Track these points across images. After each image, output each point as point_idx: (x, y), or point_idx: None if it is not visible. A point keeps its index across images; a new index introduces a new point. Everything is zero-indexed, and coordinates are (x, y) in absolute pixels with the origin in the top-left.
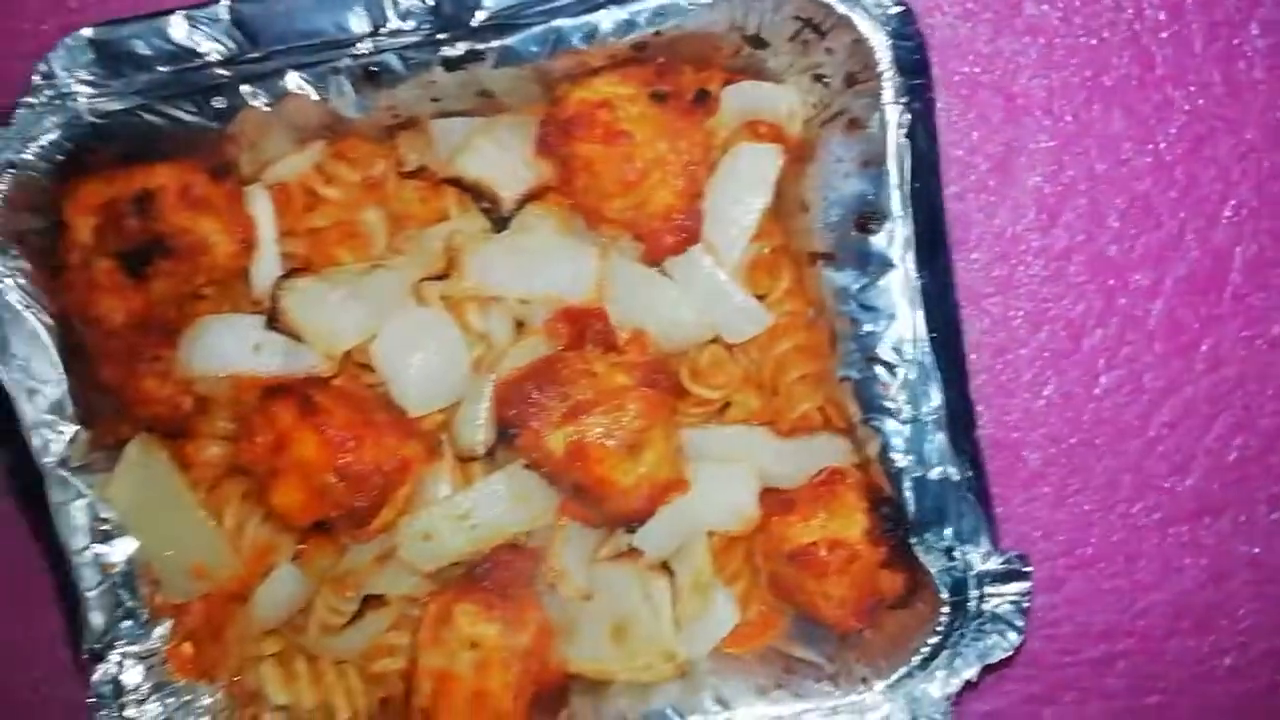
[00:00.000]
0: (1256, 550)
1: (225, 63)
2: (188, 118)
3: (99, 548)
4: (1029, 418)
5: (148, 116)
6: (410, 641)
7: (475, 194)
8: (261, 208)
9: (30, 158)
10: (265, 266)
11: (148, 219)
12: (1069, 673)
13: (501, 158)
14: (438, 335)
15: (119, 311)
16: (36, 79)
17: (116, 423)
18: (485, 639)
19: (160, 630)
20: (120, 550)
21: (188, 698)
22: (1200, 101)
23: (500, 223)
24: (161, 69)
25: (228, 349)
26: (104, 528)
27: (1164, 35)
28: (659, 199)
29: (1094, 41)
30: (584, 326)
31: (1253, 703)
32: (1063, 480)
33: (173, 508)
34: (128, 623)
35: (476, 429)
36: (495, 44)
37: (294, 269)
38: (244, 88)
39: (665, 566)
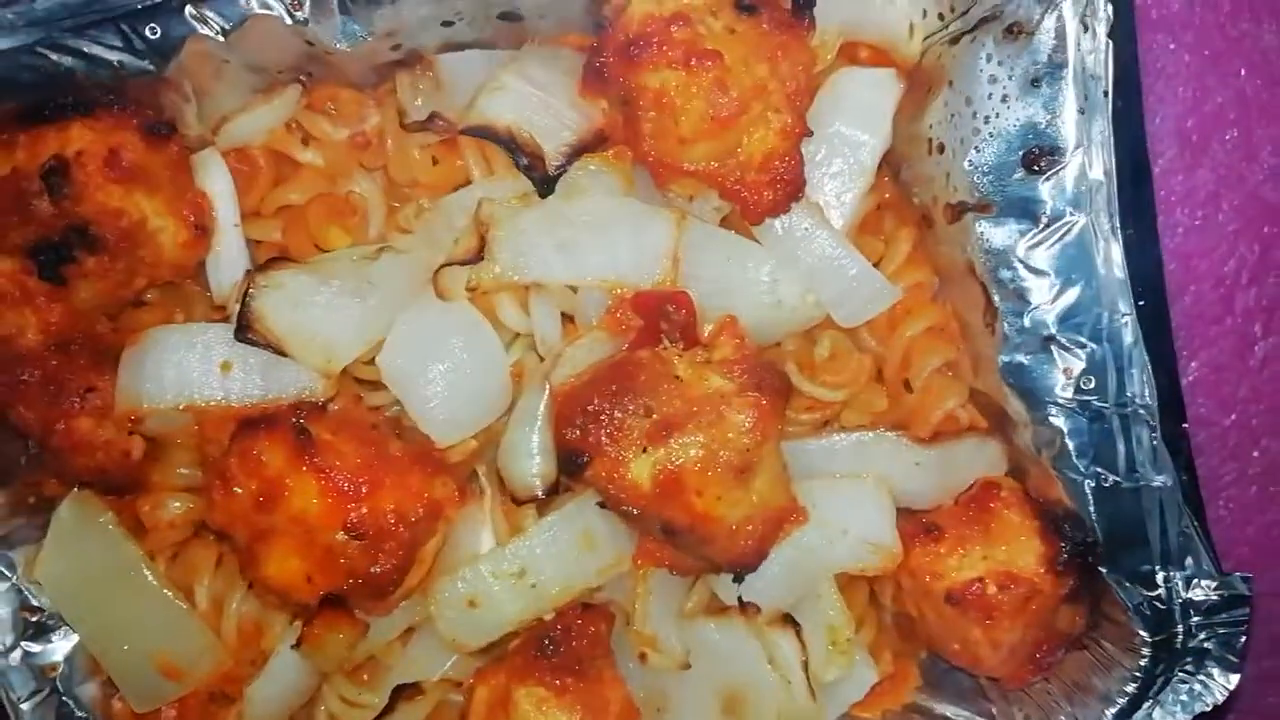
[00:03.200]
0: None
1: None
2: (110, 55)
3: (30, 645)
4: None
5: (54, 56)
6: None
7: (508, 148)
8: (217, 180)
9: None
10: (226, 259)
11: (63, 199)
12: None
13: (539, 100)
14: (466, 338)
15: (31, 329)
16: None
17: (39, 478)
18: None
19: None
20: (60, 647)
21: None
22: None
23: (543, 184)
24: None
25: (186, 371)
26: (35, 619)
27: None
28: (757, 142)
29: None
30: (658, 317)
31: None
32: (1215, 468)
33: (125, 588)
34: None
35: (531, 460)
36: None
37: (269, 260)
38: (188, 9)
39: (787, 618)
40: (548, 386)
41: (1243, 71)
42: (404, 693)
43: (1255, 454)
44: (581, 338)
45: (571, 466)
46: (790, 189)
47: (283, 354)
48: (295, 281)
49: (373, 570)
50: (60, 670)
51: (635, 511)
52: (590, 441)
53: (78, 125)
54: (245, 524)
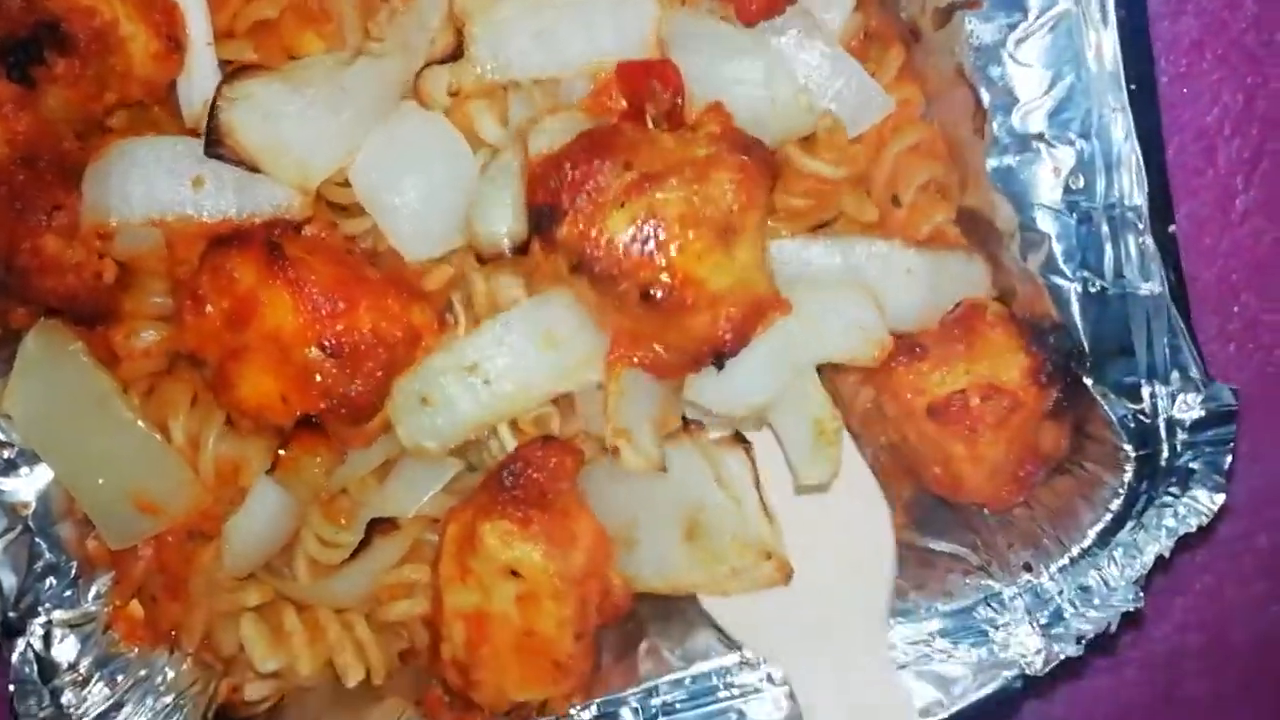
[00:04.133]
0: None
1: None
2: None
3: (1, 482)
4: None
5: None
6: (431, 577)
7: None
8: None
9: None
10: (198, 79)
11: None
12: (1200, 556)
13: None
14: (438, 150)
15: None
16: None
17: (5, 306)
18: (526, 564)
19: (97, 587)
20: (31, 484)
21: (143, 673)
22: None
23: None
24: None
25: (155, 184)
26: (5, 454)
27: None
28: None
29: None
30: (644, 94)
31: None
32: (1194, 323)
33: (98, 420)
34: (51, 580)
35: (501, 216)
36: None
37: (239, 68)
38: None
39: (738, 437)
40: (524, 151)
41: None
42: (379, 526)
43: (1235, 309)
44: (561, 114)
45: (544, 223)
46: None
47: (256, 170)
48: (266, 91)
49: (349, 391)
50: (33, 508)
51: (613, 273)
52: (564, 198)
53: None
54: (217, 344)
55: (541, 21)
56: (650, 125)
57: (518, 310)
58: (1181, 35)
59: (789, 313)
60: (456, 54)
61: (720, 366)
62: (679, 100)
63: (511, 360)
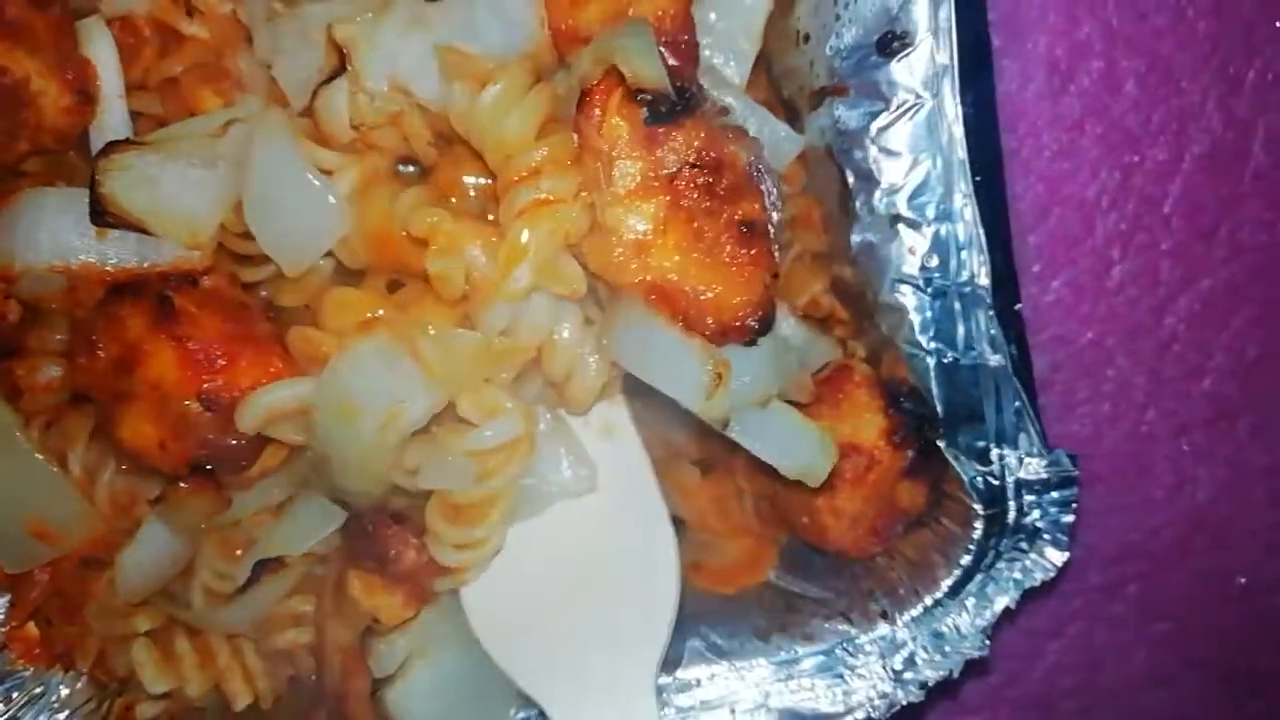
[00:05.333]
0: (1275, 458)
1: None
2: None
3: None
4: (1037, 315)
5: None
6: (316, 608)
7: None
8: (101, 48)
9: None
10: (110, 129)
11: None
12: (1074, 603)
13: None
14: (290, 175)
15: None
16: None
17: None
18: (386, 611)
19: None
20: None
21: (37, 690)
22: None
23: None
24: None
25: (62, 233)
26: None
27: None
28: (648, 4)
29: None
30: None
31: (1268, 623)
32: (1071, 384)
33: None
34: None
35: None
36: None
37: (110, 144)
38: None
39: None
40: None
41: (1110, 4)
42: (267, 566)
43: (1110, 372)
44: None
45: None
46: (687, 52)
47: (146, 232)
48: (142, 161)
49: (225, 443)
50: None
51: (727, 181)
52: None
53: None
54: (105, 386)
55: (425, 35)
56: None
57: None
58: (1065, 114)
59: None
60: (341, 68)
61: (751, 344)
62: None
63: None
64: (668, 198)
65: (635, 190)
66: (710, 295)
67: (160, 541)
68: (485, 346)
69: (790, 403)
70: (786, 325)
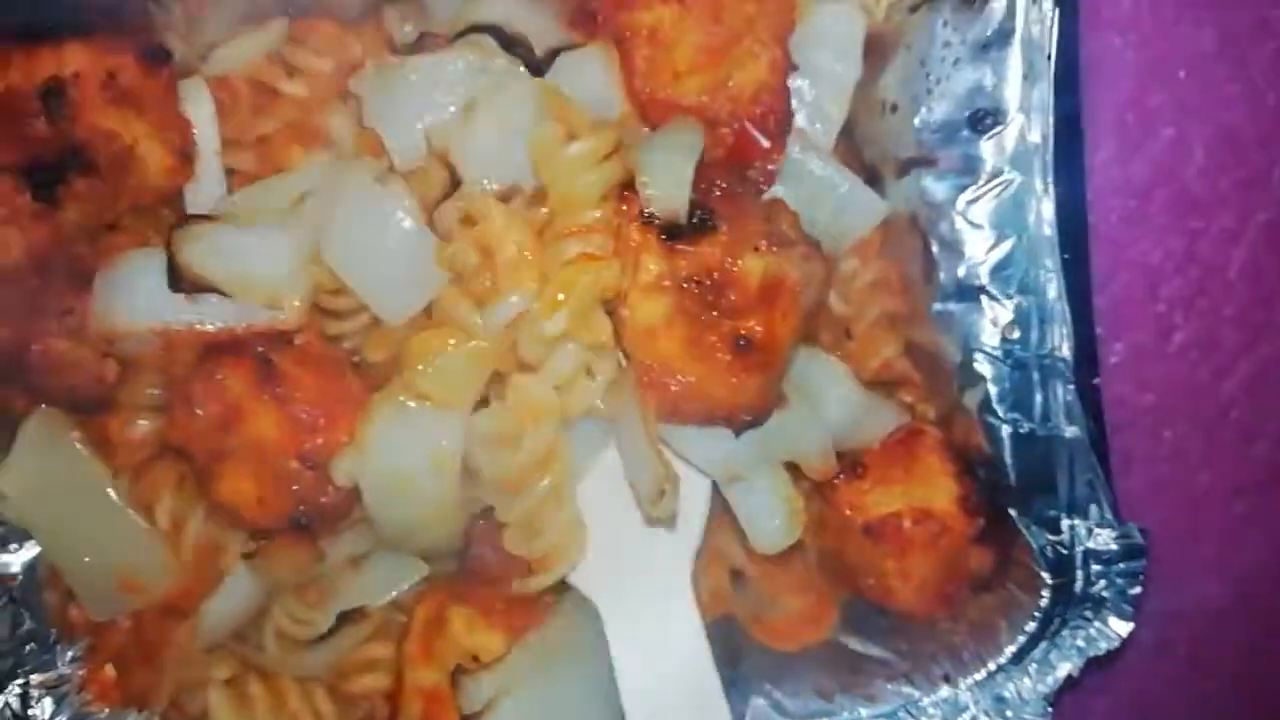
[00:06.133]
0: None
1: None
2: None
3: None
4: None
5: None
6: (395, 654)
7: (498, 38)
8: (202, 107)
9: None
10: (205, 186)
11: (59, 119)
12: (1123, 660)
13: (526, 8)
14: (389, 220)
15: (16, 247)
16: None
17: (6, 393)
18: (486, 649)
19: (74, 651)
20: (19, 558)
21: None
22: None
23: (535, 70)
24: None
25: (160, 295)
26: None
27: None
28: (747, 75)
29: None
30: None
31: None
32: (1128, 444)
33: (90, 504)
34: (31, 645)
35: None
36: None
37: (190, 216)
38: None
39: None
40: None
41: (1182, 74)
42: (349, 615)
43: (1167, 434)
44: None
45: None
46: (781, 121)
47: (228, 296)
48: (215, 232)
49: (322, 500)
50: (18, 580)
51: (732, 299)
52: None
53: (74, 46)
54: (203, 444)
55: (510, 122)
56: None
57: None
58: (1133, 180)
59: (784, 407)
60: (456, 184)
61: (739, 434)
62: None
63: None
64: (675, 299)
65: (651, 284)
66: (702, 389)
67: (243, 590)
68: (474, 354)
69: (861, 462)
70: (846, 392)
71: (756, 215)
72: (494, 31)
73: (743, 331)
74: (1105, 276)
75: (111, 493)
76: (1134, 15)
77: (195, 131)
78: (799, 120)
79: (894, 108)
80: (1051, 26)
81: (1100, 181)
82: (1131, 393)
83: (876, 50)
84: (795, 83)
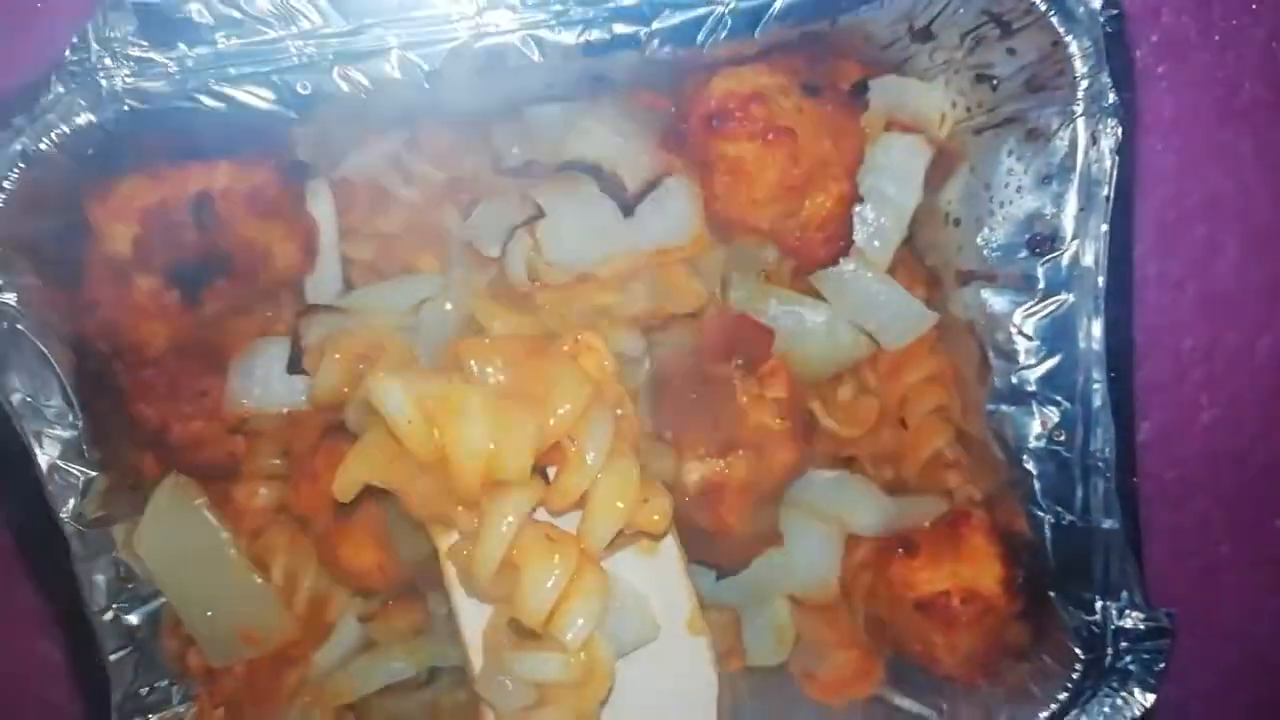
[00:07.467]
0: None
1: (308, 36)
2: (260, 104)
3: (119, 608)
4: None
5: (206, 101)
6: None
7: (597, 176)
8: (324, 208)
9: (48, 148)
10: (324, 277)
11: (209, 229)
12: None
13: (620, 143)
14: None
15: (161, 337)
16: (65, 52)
17: (139, 462)
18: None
19: (186, 691)
20: (144, 610)
21: None
22: None
23: (626, 208)
24: (224, 41)
25: (289, 379)
26: (130, 587)
27: None
28: (818, 205)
29: (1229, 58)
30: (739, 342)
31: None
32: (1152, 517)
33: (214, 565)
34: (148, 688)
35: None
36: (656, 27)
37: (312, 305)
38: (336, 70)
39: None
40: None
41: (1216, 175)
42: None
43: (1190, 507)
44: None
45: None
46: (842, 245)
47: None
48: (335, 319)
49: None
50: (142, 631)
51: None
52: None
53: (224, 164)
54: (326, 513)
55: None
56: (734, 363)
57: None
58: (1168, 273)
59: (781, 546)
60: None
61: (721, 578)
62: (765, 354)
63: None
64: None
65: None
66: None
67: (350, 642)
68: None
69: (914, 541)
70: (875, 503)
71: (705, 425)
72: (593, 170)
73: (699, 524)
74: (1139, 360)
75: (233, 553)
76: (1174, 121)
77: (319, 228)
78: (858, 239)
79: (956, 221)
80: (1111, 168)
81: (1138, 274)
82: (1157, 468)
83: (939, 165)
84: (858, 208)
